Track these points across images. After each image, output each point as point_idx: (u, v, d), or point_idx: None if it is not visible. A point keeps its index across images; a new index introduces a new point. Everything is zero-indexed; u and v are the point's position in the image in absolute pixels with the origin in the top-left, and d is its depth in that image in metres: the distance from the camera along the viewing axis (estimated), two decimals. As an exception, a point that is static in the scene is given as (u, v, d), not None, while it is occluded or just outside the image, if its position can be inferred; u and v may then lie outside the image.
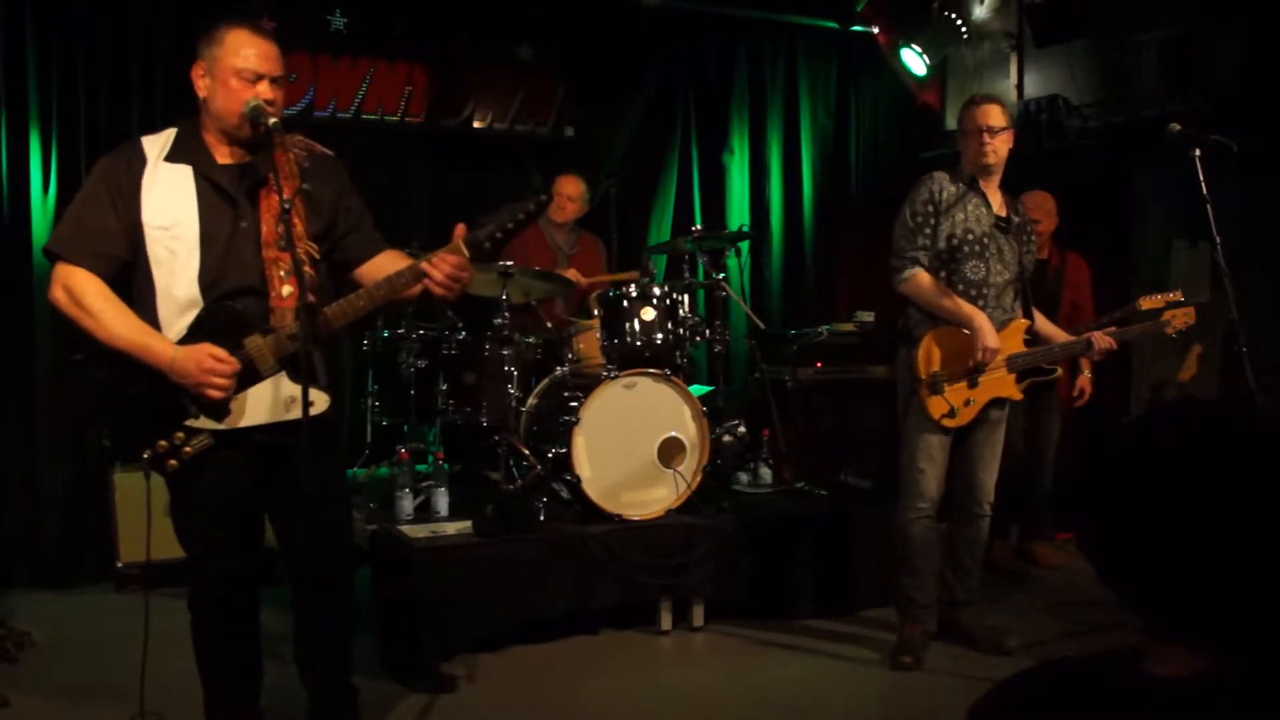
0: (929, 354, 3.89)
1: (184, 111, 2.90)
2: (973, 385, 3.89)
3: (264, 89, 2.69)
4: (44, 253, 2.78)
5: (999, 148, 3.91)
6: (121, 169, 2.72)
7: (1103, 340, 3.94)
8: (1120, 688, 1.15)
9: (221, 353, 2.64)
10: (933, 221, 3.90)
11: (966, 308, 3.84)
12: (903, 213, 3.97)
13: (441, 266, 2.72)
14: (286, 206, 2.57)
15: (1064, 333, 4.09)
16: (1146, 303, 3.99)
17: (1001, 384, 3.93)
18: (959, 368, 3.87)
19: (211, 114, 2.76)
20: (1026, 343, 3.96)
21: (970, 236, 3.90)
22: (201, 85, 2.75)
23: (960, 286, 3.89)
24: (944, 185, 3.94)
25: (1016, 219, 4.02)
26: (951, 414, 3.89)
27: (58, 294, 2.69)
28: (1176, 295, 4.07)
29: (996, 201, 3.99)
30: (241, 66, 2.68)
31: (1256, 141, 4.21)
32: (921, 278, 3.89)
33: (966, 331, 3.83)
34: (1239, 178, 4.60)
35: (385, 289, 2.78)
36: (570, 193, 5.54)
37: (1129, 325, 4.13)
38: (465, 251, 2.73)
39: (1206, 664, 1.12)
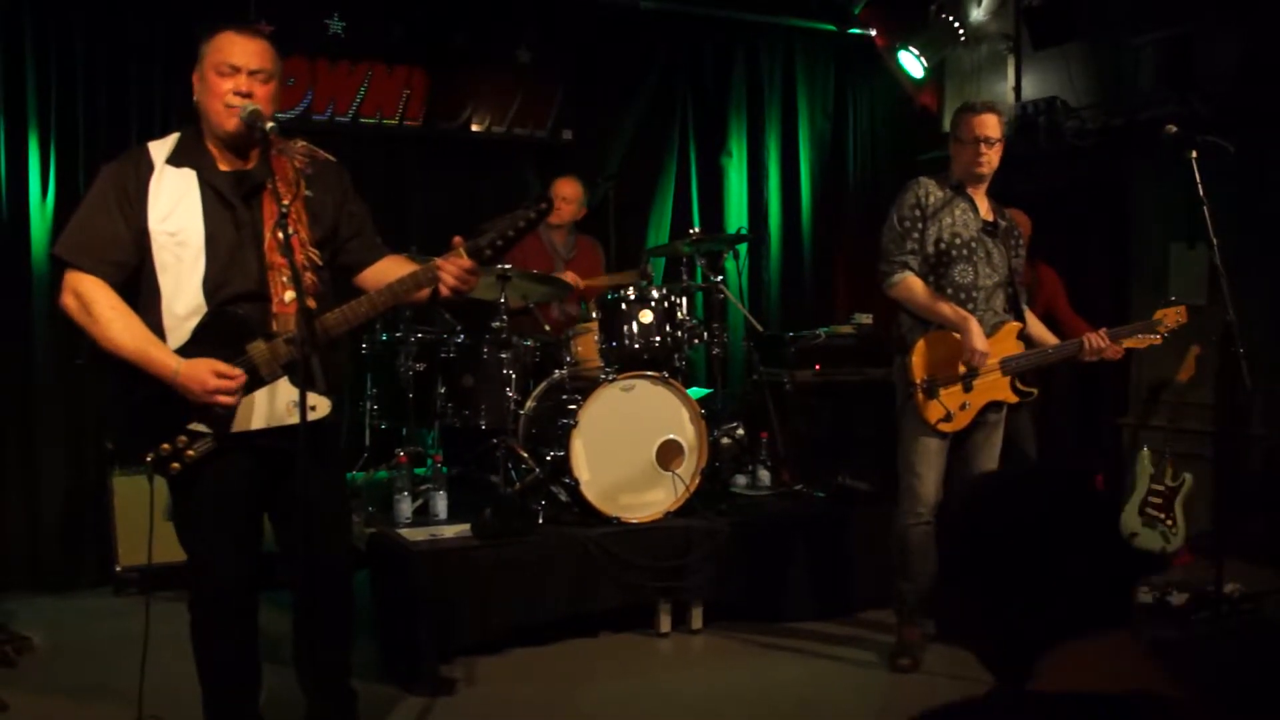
0: (923, 359, 3.90)
1: (182, 117, 2.92)
2: (968, 389, 3.90)
3: (241, 81, 2.70)
4: (52, 258, 2.78)
5: (994, 159, 3.92)
6: (129, 175, 2.73)
7: (1096, 341, 3.94)
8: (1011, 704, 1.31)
9: (225, 367, 2.64)
10: (920, 226, 3.91)
11: (956, 311, 3.84)
12: (890, 218, 3.98)
13: (451, 269, 2.73)
14: (284, 212, 2.57)
15: (1054, 335, 4.10)
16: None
17: (996, 387, 3.94)
18: (953, 372, 3.88)
19: (203, 115, 2.77)
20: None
21: (958, 241, 3.90)
22: (196, 89, 2.78)
23: (949, 290, 3.90)
24: (930, 190, 3.95)
25: (1003, 223, 4.03)
26: (948, 418, 3.89)
27: (68, 301, 2.70)
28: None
29: (984, 206, 4.00)
30: (220, 60, 2.70)
31: (1254, 143, 4.23)
32: (911, 281, 3.90)
33: (957, 335, 3.83)
34: (1237, 179, 4.61)
35: (387, 296, 2.78)
36: (567, 194, 5.54)
37: (1119, 329, 4.11)
38: (468, 259, 2.75)
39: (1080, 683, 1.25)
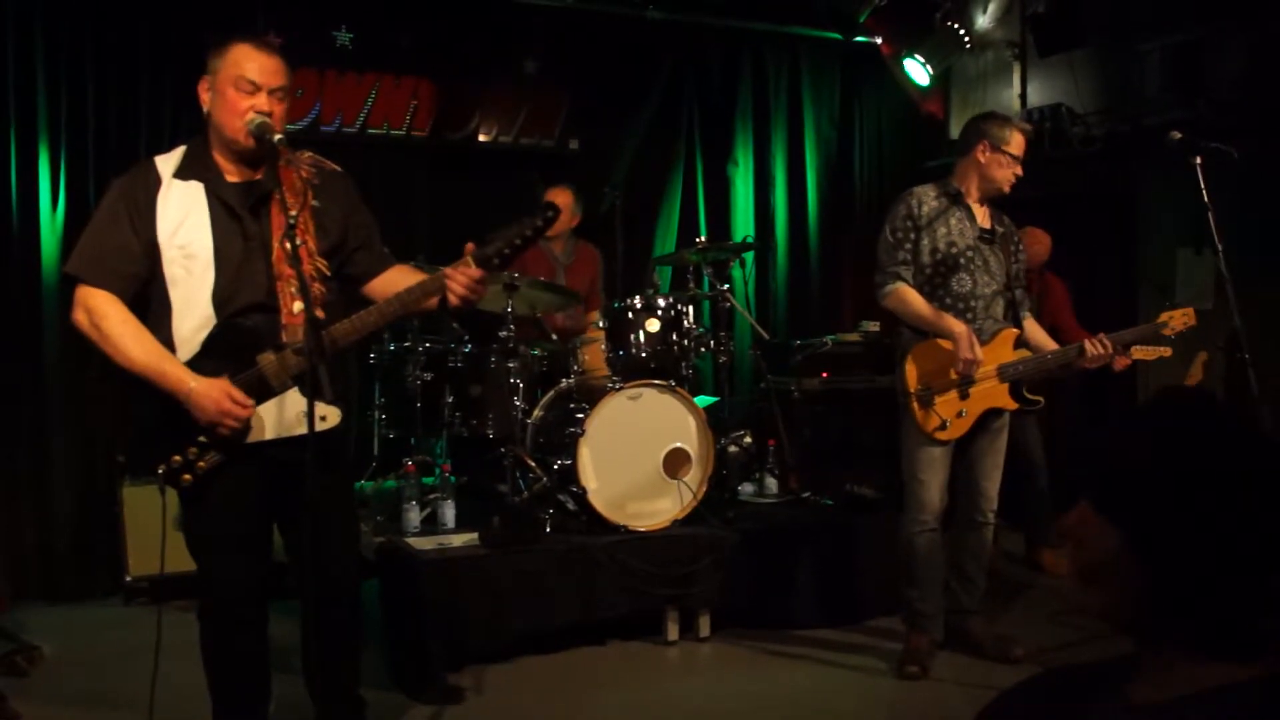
0: (916, 368, 3.90)
1: (192, 130, 2.93)
2: (964, 397, 3.89)
3: (261, 100, 2.71)
4: (64, 275, 2.79)
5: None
6: (139, 189, 2.74)
7: (1096, 346, 3.86)
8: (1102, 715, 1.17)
9: (239, 394, 2.66)
10: (913, 236, 3.91)
11: (948, 320, 3.84)
12: (883, 230, 3.99)
13: (460, 279, 2.75)
14: (292, 222, 2.59)
15: (1054, 342, 4.07)
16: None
17: (994, 394, 3.92)
18: (947, 380, 3.87)
19: (213, 126, 2.78)
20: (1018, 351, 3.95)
21: (954, 250, 3.90)
22: (205, 99, 2.79)
23: (948, 300, 3.90)
24: (924, 200, 3.94)
25: (1001, 229, 4.03)
26: (943, 426, 3.88)
27: (80, 316, 2.71)
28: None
29: (981, 213, 4.00)
30: (239, 75, 2.70)
31: (1260, 148, 4.22)
32: (903, 291, 3.90)
33: (949, 345, 3.83)
34: (1243, 185, 4.60)
35: (396, 305, 2.80)
36: (559, 204, 5.53)
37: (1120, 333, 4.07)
38: (476, 269, 2.76)
39: (1184, 689, 1.13)
